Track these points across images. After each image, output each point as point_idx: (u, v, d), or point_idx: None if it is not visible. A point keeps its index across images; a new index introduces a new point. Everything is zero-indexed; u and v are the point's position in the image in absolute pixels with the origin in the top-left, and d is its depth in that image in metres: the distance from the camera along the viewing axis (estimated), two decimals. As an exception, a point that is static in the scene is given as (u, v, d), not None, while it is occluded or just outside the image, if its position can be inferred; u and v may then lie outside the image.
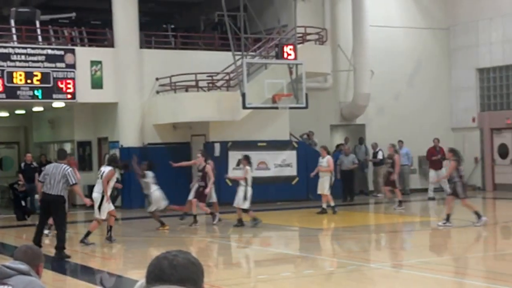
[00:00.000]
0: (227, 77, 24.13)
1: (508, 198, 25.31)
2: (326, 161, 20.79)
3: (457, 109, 29.73)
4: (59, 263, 13.28)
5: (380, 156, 26.96)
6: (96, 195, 15.59)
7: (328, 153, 21.64)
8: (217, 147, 23.85)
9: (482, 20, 28.64)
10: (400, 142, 27.25)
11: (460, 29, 29.53)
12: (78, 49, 24.18)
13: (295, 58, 22.60)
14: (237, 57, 22.46)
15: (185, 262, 2.72)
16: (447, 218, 17.00)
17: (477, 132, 29.04)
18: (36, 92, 22.72)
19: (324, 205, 20.65)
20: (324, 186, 20.52)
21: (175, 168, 21.55)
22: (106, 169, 15.81)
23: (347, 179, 25.27)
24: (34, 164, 22.70)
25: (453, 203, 17.17)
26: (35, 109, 26.55)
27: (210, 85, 24.34)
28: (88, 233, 15.54)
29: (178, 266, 2.69)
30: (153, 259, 2.73)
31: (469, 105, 29.27)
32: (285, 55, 22.41)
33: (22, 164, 23.02)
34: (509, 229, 18.35)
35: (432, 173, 25.43)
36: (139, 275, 10.70)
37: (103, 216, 15.57)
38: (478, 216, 17.00)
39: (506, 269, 11.66)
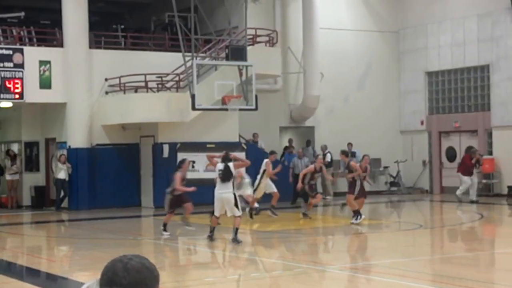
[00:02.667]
0: (177, 78, 24.01)
1: (456, 201, 25.63)
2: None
3: (406, 112, 30.05)
4: (3, 266, 13.01)
5: (328, 158, 27.09)
6: (229, 195, 14.77)
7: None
8: (165, 148, 23.69)
9: (431, 24, 29.00)
10: (350, 144, 27.48)
11: (409, 32, 29.86)
12: (27, 49, 23.82)
13: (245, 60, 22.60)
14: (187, 58, 22.35)
15: (139, 266, 2.70)
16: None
17: (425, 135, 29.39)
18: (-18, 92, 22.31)
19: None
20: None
21: (124, 169, 21.45)
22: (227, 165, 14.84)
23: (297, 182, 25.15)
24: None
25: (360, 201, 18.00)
26: (-18, 109, 26.05)
27: (160, 86, 24.18)
28: (236, 230, 14.99)
29: (132, 270, 2.67)
30: (109, 261, 2.71)
31: (418, 108, 29.61)
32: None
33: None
34: (456, 232, 18.57)
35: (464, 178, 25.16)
36: (85, 278, 10.53)
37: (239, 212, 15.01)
38: (359, 215, 18.01)
39: (452, 272, 11.78)
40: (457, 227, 19.32)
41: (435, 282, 11.12)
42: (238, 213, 14.70)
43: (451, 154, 28.82)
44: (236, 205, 14.64)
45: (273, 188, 20.49)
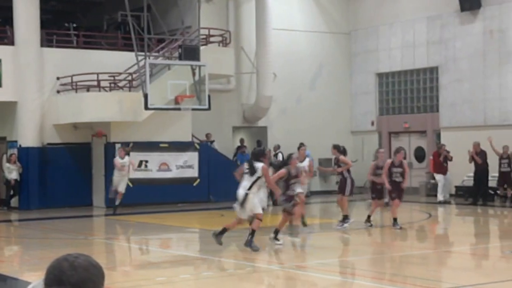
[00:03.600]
0: (129, 78, 23.92)
1: (405, 200, 25.99)
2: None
3: (357, 113, 30.42)
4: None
5: (280, 158, 27.29)
6: (241, 191, 13.90)
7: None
8: (118, 148, 23.59)
9: (381, 26, 29.41)
10: (301, 144, 27.65)
11: (360, 34, 30.23)
12: (-23, 47, 23.51)
13: (199, 60, 22.66)
14: (140, 58, 22.31)
15: (86, 264, 2.71)
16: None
17: (375, 136, 29.79)
18: None
19: None
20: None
21: (75, 168, 21.36)
22: (258, 165, 13.75)
23: None
24: None
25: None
26: None
27: (112, 85, 24.07)
28: (223, 230, 14.12)
29: (79, 268, 2.67)
30: (53, 260, 2.73)
31: (369, 109, 30.00)
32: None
33: None
34: (405, 231, 18.86)
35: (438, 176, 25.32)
36: (35, 278, 10.49)
37: (245, 216, 14.05)
38: (347, 220, 17.61)
39: (402, 271, 12.00)
40: (406, 226, 19.64)
41: (385, 280, 11.32)
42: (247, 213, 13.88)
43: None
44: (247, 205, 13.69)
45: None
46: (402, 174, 17.16)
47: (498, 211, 22.92)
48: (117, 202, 22.01)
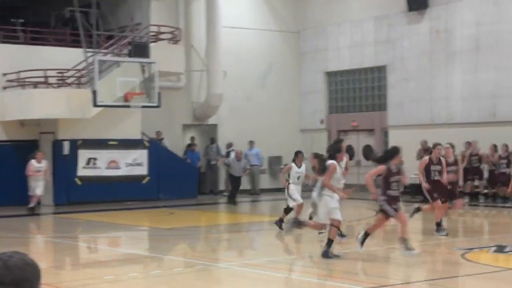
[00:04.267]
0: (78, 74, 23.66)
1: (353, 198, 26.26)
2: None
3: (306, 111, 30.61)
4: None
5: (232, 156, 27.34)
6: (315, 193, 13.00)
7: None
8: (66, 146, 23.33)
9: (330, 25, 29.64)
10: (251, 142, 27.80)
11: (309, 33, 30.42)
12: None
13: (148, 57, 22.54)
14: (88, 54, 22.09)
15: (21, 263, 2.64)
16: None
17: (325, 134, 30.02)
18: None
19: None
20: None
21: (22, 166, 21.06)
22: (329, 162, 12.84)
23: (235, 185, 24.73)
24: None
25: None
26: None
27: (60, 81, 23.78)
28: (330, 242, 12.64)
29: (13, 267, 2.61)
30: None
31: (318, 107, 30.22)
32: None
33: None
34: (353, 228, 19.06)
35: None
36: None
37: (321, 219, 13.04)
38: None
39: (347, 267, 12.13)
40: (354, 223, 19.84)
41: (334, 277, 11.43)
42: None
43: (349, 153, 29.48)
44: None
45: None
46: (441, 172, 15.67)
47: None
48: (32, 204, 21.26)
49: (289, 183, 16.50)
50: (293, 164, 16.82)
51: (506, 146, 23.12)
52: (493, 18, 24.68)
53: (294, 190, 16.50)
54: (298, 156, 17.08)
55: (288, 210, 16.60)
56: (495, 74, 24.56)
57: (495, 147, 23.48)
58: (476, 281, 10.42)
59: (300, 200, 16.34)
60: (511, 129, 23.51)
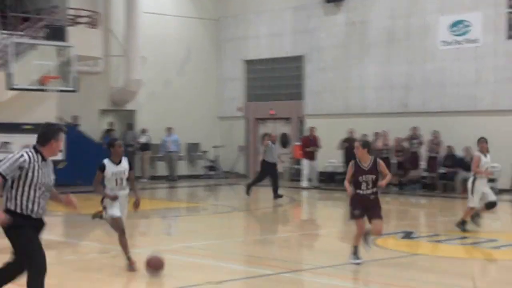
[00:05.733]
0: (-8, 57, 23.16)
1: (269, 185, 26.65)
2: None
3: (225, 99, 30.81)
4: None
5: (143, 140, 27.54)
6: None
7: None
8: None
9: (250, 14, 29.89)
10: (169, 129, 27.83)
11: (229, 21, 30.58)
12: None
13: (65, 40, 22.27)
14: (3, 36, 21.66)
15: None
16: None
17: (242, 122, 30.28)
18: None
19: None
20: None
21: None
22: None
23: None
24: None
25: None
26: None
27: (-26, 64, 23.22)
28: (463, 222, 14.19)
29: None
30: None
31: (236, 95, 30.44)
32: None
33: None
34: (268, 215, 19.41)
35: (306, 162, 25.57)
36: None
37: (473, 204, 14.05)
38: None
39: (265, 253, 12.38)
40: (269, 210, 20.19)
41: (248, 263, 11.66)
42: None
43: (284, 140, 29.86)
44: None
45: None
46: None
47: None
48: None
49: (475, 178, 14.24)
50: (480, 155, 14.29)
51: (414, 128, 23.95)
52: (406, 11, 25.39)
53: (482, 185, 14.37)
54: (481, 143, 14.37)
55: (489, 205, 14.55)
56: (407, 66, 25.29)
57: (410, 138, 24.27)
58: (383, 266, 10.83)
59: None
60: (422, 120, 24.30)
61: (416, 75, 25.06)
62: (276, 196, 21.25)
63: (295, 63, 28.70)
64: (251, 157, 30.08)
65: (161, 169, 28.65)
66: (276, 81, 29.47)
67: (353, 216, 10.72)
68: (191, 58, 30.15)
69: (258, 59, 29.85)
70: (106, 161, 10.81)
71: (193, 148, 29.76)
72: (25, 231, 6.75)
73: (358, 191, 10.55)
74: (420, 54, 24.99)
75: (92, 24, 25.72)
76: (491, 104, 23.38)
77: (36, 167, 6.66)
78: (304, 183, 25.56)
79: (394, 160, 24.30)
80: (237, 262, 11.62)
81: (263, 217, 18.99)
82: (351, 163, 10.67)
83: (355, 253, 10.72)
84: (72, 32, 23.37)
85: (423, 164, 24.24)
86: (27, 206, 6.79)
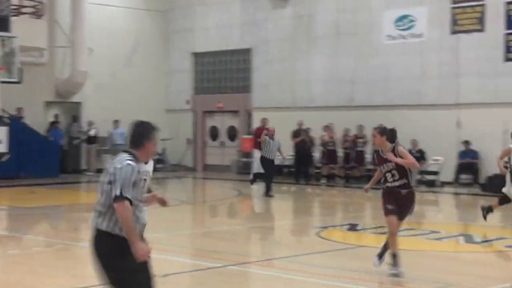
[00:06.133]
0: None
1: (217, 178, 26.71)
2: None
3: (173, 91, 30.69)
4: None
5: (92, 133, 27.26)
6: None
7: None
8: None
9: (198, 6, 29.80)
10: (116, 121, 27.59)
11: (177, 13, 30.45)
12: None
13: (9, 31, 21.91)
14: None
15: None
16: None
17: (190, 114, 30.21)
18: None
19: None
20: None
21: None
22: None
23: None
24: None
25: None
26: None
27: None
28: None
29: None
30: None
31: (184, 87, 30.35)
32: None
33: None
34: (216, 208, 19.43)
35: (257, 153, 25.17)
36: None
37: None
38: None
39: (212, 246, 12.40)
40: (217, 203, 20.21)
41: (196, 256, 11.66)
42: None
43: (214, 133, 29.96)
44: None
45: None
46: None
47: (316, 189, 23.89)
48: None
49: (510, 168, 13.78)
50: None
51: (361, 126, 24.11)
52: (353, 6, 25.62)
53: None
54: None
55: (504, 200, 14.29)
56: (353, 60, 25.53)
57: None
58: (328, 257, 10.96)
59: None
60: (367, 114, 24.54)
61: (362, 69, 25.31)
62: (268, 194, 20.10)
63: (243, 55, 28.72)
64: (199, 150, 30.04)
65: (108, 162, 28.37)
66: (224, 74, 29.47)
67: (385, 212, 9.38)
68: (138, 50, 29.94)
69: (206, 52, 29.79)
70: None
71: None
72: (132, 257, 5.40)
73: (387, 184, 9.45)
74: (366, 48, 25.24)
75: (37, 14, 25.33)
76: (436, 99, 23.76)
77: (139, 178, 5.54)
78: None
79: (341, 153, 24.60)
80: (184, 255, 11.61)
81: (211, 210, 19.01)
82: (375, 154, 9.74)
83: (395, 263, 9.27)
84: (16, 23, 22.97)
85: (368, 157, 24.52)
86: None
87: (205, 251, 11.81)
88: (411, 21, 24.37)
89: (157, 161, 29.68)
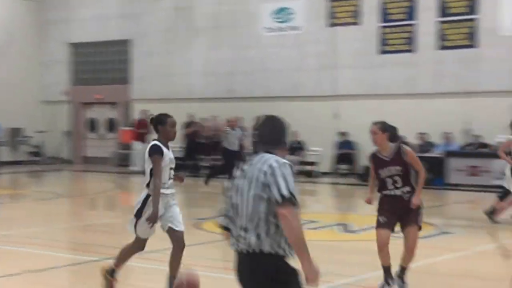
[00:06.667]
0: None
1: (97, 170, 26.24)
2: None
3: (48, 83, 29.91)
4: None
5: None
6: None
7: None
8: None
9: (75, -5, 29.18)
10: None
11: (53, 2, 29.68)
12: None
13: None
14: None
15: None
16: None
17: (67, 106, 29.54)
18: None
19: None
20: None
21: None
22: None
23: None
24: None
25: None
26: None
27: None
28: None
29: None
30: None
31: (61, 79, 29.64)
32: None
33: None
34: (93, 201, 19.07)
35: (137, 145, 24.43)
36: None
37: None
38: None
39: (89, 239, 12.17)
40: (95, 196, 19.87)
41: (72, 249, 11.43)
42: None
43: (92, 125, 29.44)
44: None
45: None
46: None
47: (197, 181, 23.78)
48: None
49: None
50: None
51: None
52: (233, -2, 25.74)
53: None
54: None
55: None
56: (232, 52, 25.65)
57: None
58: (206, 248, 10.98)
59: None
60: (247, 105, 24.67)
61: (241, 61, 25.46)
62: (207, 181, 19.89)
63: (121, 47, 28.31)
64: (77, 142, 29.43)
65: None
66: (102, 65, 28.97)
67: (376, 225, 7.93)
68: (11, 41, 28.96)
69: (84, 42, 29.17)
70: (158, 143, 7.39)
71: (15, 133, 28.66)
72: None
73: (384, 192, 7.80)
74: (245, 40, 25.41)
75: None
76: (313, 90, 24.20)
77: None
78: (135, 167, 25.29)
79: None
80: (60, 249, 11.35)
81: (89, 203, 18.66)
82: (370, 157, 7.97)
83: (387, 278, 7.95)
84: None
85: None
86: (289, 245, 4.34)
87: (82, 245, 11.62)
88: (290, 13, 24.71)
89: (33, 154, 28.93)
